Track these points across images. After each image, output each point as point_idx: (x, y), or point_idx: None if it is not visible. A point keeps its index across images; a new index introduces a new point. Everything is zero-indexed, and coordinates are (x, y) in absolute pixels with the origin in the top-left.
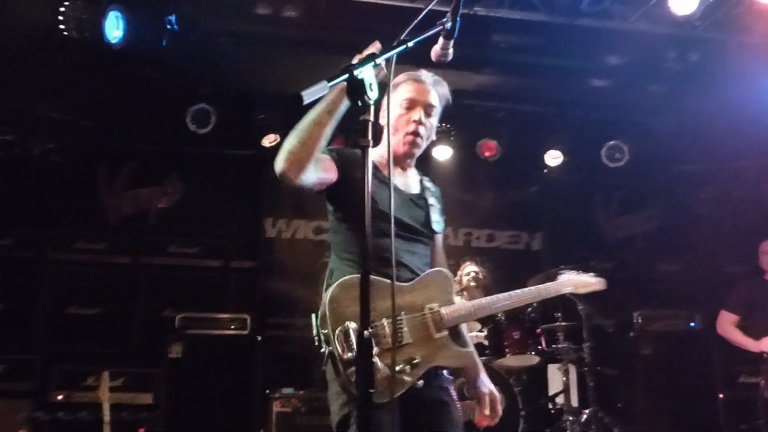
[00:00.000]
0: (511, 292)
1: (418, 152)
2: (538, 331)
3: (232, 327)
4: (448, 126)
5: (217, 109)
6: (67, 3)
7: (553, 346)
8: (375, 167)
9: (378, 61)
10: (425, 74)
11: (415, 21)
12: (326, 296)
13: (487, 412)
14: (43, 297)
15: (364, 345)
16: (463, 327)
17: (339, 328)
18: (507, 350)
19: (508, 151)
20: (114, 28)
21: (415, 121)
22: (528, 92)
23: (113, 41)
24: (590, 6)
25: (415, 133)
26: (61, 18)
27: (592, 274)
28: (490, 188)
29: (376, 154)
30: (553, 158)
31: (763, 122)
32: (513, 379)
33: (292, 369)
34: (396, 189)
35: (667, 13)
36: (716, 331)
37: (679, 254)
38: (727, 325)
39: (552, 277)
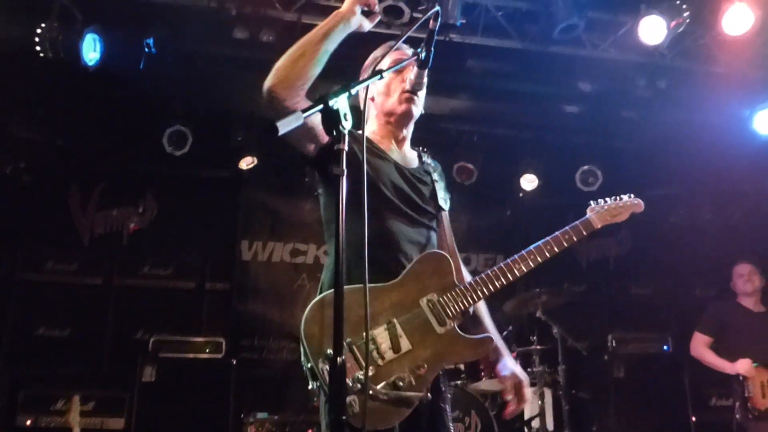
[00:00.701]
0: (526, 251)
1: (416, 112)
2: (514, 354)
3: (207, 350)
4: (424, 150)
5: (194, 130)
6: (43, 24)
7: (529, 369)
8: (368, 140)
9: (352, 91)
10: (403, 45)
11: (389, 50)
12: (301, 324)
13: (509, 397)
14: (11, 318)
15: (336, 374)
16: (481, 305)
17: (321, 360)
18: (482, 374)
19: (483, 174)
20: (91, 50)
21: (410, 80)
22: (503, 117)
23: (89, 63)
24: (562, 34)
25: (411, 90)
26: (37, 39)
27: (627, 195)
28: (465, 211)
29: (367, 132)
30: (529, 182)
31: (729, 148)
32: (488, 403)
33: (266, 393)
34: (395, 164)
35: (636, 42)
36: (689, 354)
37: (650, 277)
38: (701, 346)
39: (527, 298)
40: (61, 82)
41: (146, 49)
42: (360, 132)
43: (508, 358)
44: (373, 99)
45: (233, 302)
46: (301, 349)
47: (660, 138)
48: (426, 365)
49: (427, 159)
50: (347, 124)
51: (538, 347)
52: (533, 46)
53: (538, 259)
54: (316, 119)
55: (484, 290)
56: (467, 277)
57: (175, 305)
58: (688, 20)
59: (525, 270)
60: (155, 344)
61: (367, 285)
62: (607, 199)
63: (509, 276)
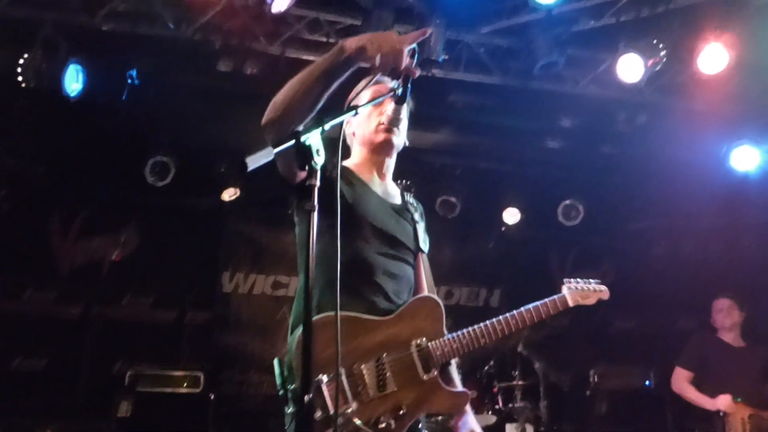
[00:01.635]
0: (510, 315)
1: (396, 142)
2: (495, 390)
3: (185, 384)
4: (408, 182)
5: (177, 161)
6: (26, 54)
7: (510, 405)
8: (349, 171)
9: (326, 126)
10: (385, 78)
11: (364, 85)
12: (292, 340)
13: None
14: None
15: (304, 416)
16: (453, 362)
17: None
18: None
19: (466, 208)
20: (73, 80)
21: (387, 114)
22: (485, 151)
23: (72, 93)
24: (543, 70)
25: (388, 124)
26: (20, 69)
27: (595, 281)
28: (448, 245)
29: (349, 164)
30: (511, 216)
31: (707, 183)
32: None
33: (245, 427)
34: (376, 196)
35: (615, 79)
36: (671, 389)
37: (632, 310)
38: (682, 382)
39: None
40: (44, 110)
41: (129, 81)
42: (342, 163)
43: (470, 415)
44: (354, 133)
45: (214, 334)
46: (283, 370)
47: (640, 173)
48: (406, 409)
49: (409, 198)
50: (320, 160)
51: (520, 383)
52: (515, 82)
53: (519, 325)
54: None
55: (470, 346)
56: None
57: (155, 337)
58: (665, 59)
59: (506, 332)
60: (132, 378)
61: (362, 315)
62: (579, 280)
63: (492, 336)
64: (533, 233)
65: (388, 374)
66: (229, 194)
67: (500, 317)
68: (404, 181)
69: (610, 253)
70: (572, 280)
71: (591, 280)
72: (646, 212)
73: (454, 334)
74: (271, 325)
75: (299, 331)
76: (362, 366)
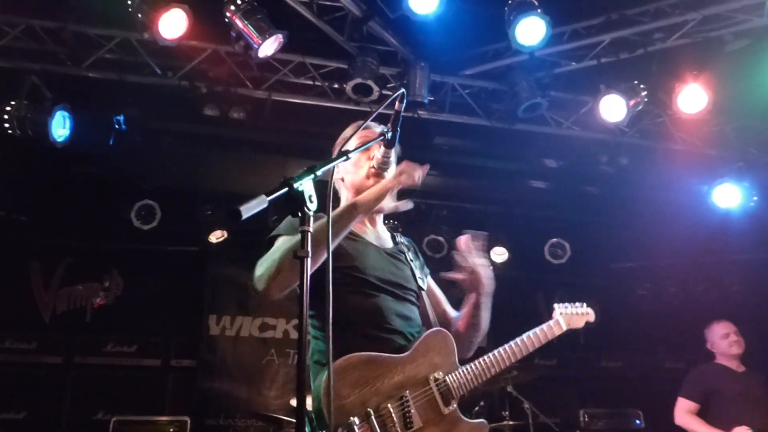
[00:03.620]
0: (514, 343)
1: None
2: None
3: (171, 430)
4: (395, 222)
5: (162, 205)
6: (13, 102)
7: None
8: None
9: (318, 173)
10: (371, 123)
11: (353, 132)
12: (318, 387)
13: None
14: None
15: None
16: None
17: (341, 428)
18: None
19: (453, 247)
20: (60, 126)
21: (377, 158)
22: (471, 192)
23: (58, 139)
24: (526, 112)
25: (377, 168)
26: (5, 117)
27: (580, 304)
28: (436, 283)
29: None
30: (498, 255)
31: (689, 222)
32: None
33: None
34: (372, 246)
35: (598, 120)
36: (661, 430)
37: (620, 350)
38: (686, 414)
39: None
40: (30, 158)
41: (116, 126)
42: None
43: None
44: (343, 179)
45: (199, 379)
46: (312, 419)
47: (624, 212)
48: None
49: (400, 238)
50: (312, 206)
51: (510, 423)
52: (499, 124)
53: (523, 351)
54: None
55: (482, 376)
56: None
57: (139, 384)
58: (646, 99)
59: (513, 359)
60: (116, 425)
61: (380, 355)
62: (568, 304)
63: (501, 364)
64: (521, 272)
65: (412, 411)
66: (216, 236)
67: (504, 346)
68: (391, 221)
69: (596, 292)
70: (561, 304)
71: (577, 304)
72: (631, 251)
73: (467, 366)
74: (258, 368)
75: (323, 376)
76: (389, 405)
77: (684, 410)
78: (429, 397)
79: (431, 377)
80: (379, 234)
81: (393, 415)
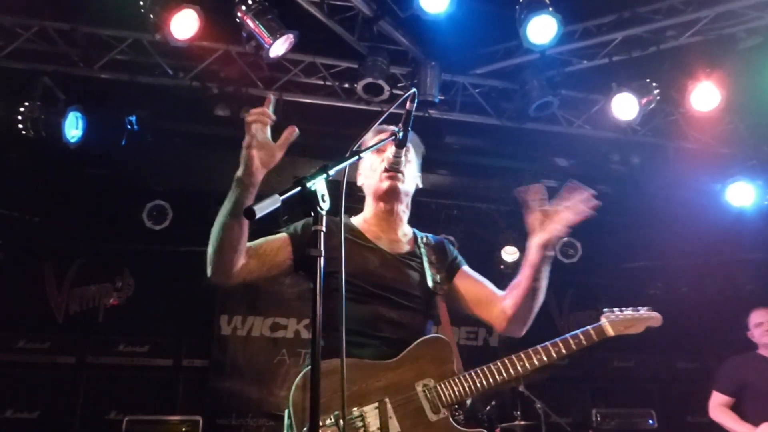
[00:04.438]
0: (534, 349)
1: (402, 187)
2: (497, 430)
3: (183, 429)
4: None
5: (174, 205)
6: (26, 104)
7: None
8: (353, 230)
9: (331, 172)
10: (384, 126)
11: (365, 132)
12: (290, 395)
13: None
14: None
15: None
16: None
17: (305, 429)
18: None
19: (464, 247)
20: (73, 127)
21: (388, 158)
22: (481, 191)
23: (71, 140)
24: (537, 111)
25: (389, 168)
26: (19, 118)
27: (644, 308)
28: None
29: (360, 218)
30: (509, 254)
31: (702, 221)
32: None
33: None
34: (376, 249)
35: (610, 119)
36: (673, 429)
37: (632, 350)
38: (719, 408)
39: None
40: (43, 159)
41: (128, 126)
42: (347, 219)
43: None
44: (364, 185)
45: (210, 379)
46: (285, 419)
47: (636, 211)
48: None
49: (423, 241)
50: (325, 206)
51: (522, 423)
52: (510, 123)
53: (544, 359)
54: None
55: (484, 383)
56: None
57: (151, 383)
58: (658, 97)
59: (529, 368)
60: (129, 425)
61: (363, 360)
62: (624, 309)
63: (511, 371)
64: None
65: (391, 416)
66: None
67: (521, 352)
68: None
69: (607, 291)
70: (614, 309)
71: (640, 308)
72: (643, 251)
73: (467, 373)
74: (270, 368)
75: (297, 379)
76: (362, 409)
77: (717, 404)
78: (413, 403)
79: (419, 384)
80: (394, 239)
81: (366, 418)
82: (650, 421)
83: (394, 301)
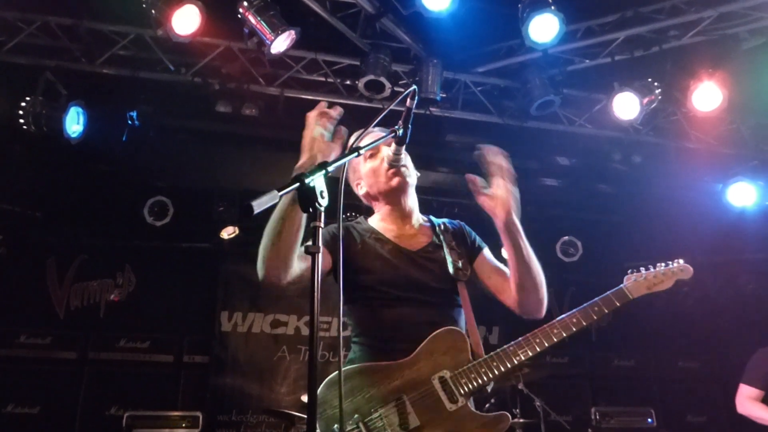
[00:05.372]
0: (551, 325)
1: (410, 181)
2: None
3: (183, 425)
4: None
5: (175, 202)
6: (28, 98)
7: None
8: (371, 230)
9: (330, 168)
10: (377, 128)
11: (364, 130)
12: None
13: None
14: None
15: None
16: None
17: None
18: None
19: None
20: (74, 122)
21: (388, 155)
22: None
23: (72, 135)
24: (539, 110)
25: (393, 164)
26: (21, 112)
27: (675, 261)
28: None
29: (373, 221)
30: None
31: (703, 221)
32: None
33: None
34: (398, 250)
35: (611, 118)
36: (672, 428)
37: (632, 349)
38: (748, 401)
39: (509, 370)
40: (44, 154)
41: (129, 122)
42: (355, 225)
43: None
44: (368, 194)
45: (211, 375)
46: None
47: (637, 210)
48: None
49: (441, 228)
50: (323, 202)
51: (521, 420)
52: (511, 121)
53: (563, 333)
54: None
55: (501, 367)
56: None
57: (152, 379)
58: (660, 97)
59: (546, 344)
60: (129, 420)
61: (378, 363)
62: (649, 266)
63: (528, 351)
64: None
65: (410, 412)
66: (228, 233)
67: (537, 330)
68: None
69: (608, 290)
70: (640, 269)
71: (668, 262)
72: (643, 250)
73: (482, 360)
74: (269, 365)
75: (324, 387)
76: (381, 410)
77: (746, 397)
78: (430, 397)
79: (434, 378)
80: (411, 234)
81: (384, 419)
82: (649, 420)
83: (420, 301)
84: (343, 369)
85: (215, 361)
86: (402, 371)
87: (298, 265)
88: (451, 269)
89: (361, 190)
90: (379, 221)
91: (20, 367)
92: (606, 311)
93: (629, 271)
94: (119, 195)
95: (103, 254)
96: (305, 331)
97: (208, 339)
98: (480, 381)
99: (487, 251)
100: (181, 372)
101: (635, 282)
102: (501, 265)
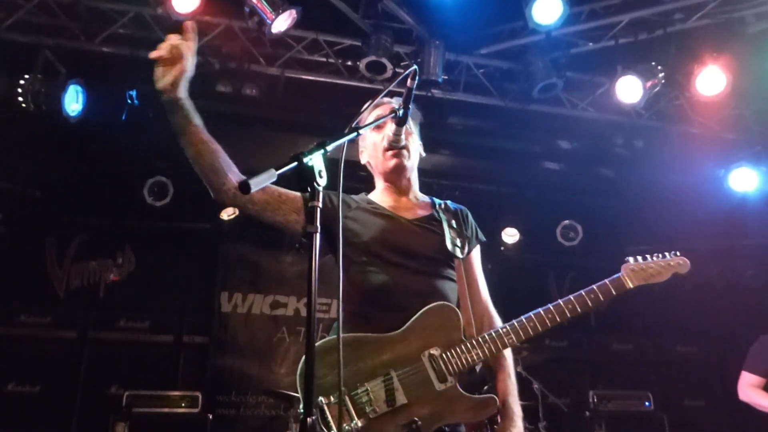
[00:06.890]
0: (543, 309)
1: (408, 163)
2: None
3: (183, 405)
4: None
5: (175, 182)
6: (27, 77)
7: None
8: (368, 200)
9: (329, 147)
10: (387, 99)
11: (364, 108)
12: (299, 365)
13: None
14: None
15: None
16: (507, 354)
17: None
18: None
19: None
20: (73, 101)
21: (387, 136)
22: (484, 172)
23: (72, 114)
24: (541, 93)
25: (389, 147)
26: (19, 90)
27: (671, 253)
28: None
29: (373, 193)
30: (510, 236)
31: (705, 206)
32: None
33: None
34: (392, 217)
35: (614, 102)
36: (671, 411)
37: (631, 333)
38: (749, 388)
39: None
40: (43, 133)
41: (129, 101)
42: (353, 196)
43: (513, 429)
44: (369, 163)
45: (211, 356)
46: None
47: (638, 195)
48: (421, 422)
49: (441, 207)
50: (322, 181)
51: (519, 403)
52: (513, 104)
53: (557, 318)
54: (281, 194)
55: (492, 348)
56: (498, 325)
57: (152, 359)
58: (663, 81)
59: (540, 329)
60: (129, 399)
61: (367, 335)
62: (648, 256)
63: (521, 334)
64: (532, 253)
65: (397, 388)
66: (227, 213)
67: (531, 313)
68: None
69: (608, 275)
70: (638, 257)
71: (666, 253)
72: (644, 234)
73: (474, 339)
74: (270, 346)
75: (300, 363)
76: (367, 384)
77: (748, 385)
78: (419, 374)
79: (424, 354)
80: (409, 205)
81: (371, 393)
82: (647, 403)
83: (413, 268)
84: (322, 341)
85: (215, 342)
86: (392, 345)
87: (234, 188)
88: (448, 244)
89: (363, 159)
90: (376, 194)
91: (21, 347)
92: (602, 300)
93: (627, 259)
94: (119, 174)
95: (102, 234)
96: (305, 313)
97: (207, 319)
98: (470, 361)
99: (477, 251)
100: (180, 352)
101: (632, 272)
102: (478, 278)
